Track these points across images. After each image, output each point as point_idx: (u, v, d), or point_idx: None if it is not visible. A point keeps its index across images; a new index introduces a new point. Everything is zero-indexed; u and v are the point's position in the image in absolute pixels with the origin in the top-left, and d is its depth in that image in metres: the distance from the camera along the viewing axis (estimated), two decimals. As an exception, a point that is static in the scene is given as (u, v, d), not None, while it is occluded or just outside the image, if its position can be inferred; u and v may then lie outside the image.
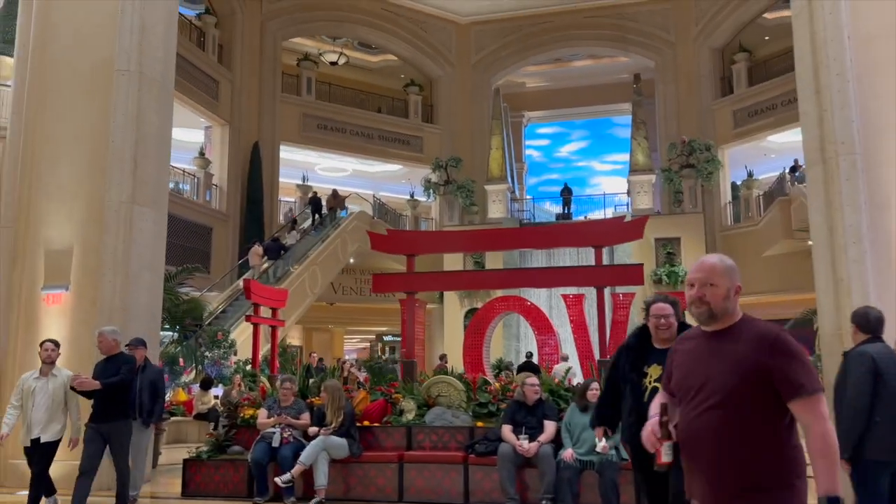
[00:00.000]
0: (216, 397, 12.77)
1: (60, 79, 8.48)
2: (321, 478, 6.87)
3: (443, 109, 26.61)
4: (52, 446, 6.04)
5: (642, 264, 10.92)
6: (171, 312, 12.75)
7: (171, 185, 14.80)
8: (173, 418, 11.87)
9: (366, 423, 7.61)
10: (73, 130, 8.36)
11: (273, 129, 23.34)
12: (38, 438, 5.96)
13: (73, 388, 5.95)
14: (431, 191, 24.64)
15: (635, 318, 14.40)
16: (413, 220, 25.85)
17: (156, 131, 8.58)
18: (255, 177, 22.27)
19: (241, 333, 15.65)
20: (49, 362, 6.09)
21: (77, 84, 8.44)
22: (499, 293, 14.63)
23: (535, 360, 12.96)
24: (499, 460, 6.56)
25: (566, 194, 25.34)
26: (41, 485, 6.05)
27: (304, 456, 6.87)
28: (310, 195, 23.42)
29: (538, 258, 20.92)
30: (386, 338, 28.54)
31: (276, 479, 6.85)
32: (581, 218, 24.36)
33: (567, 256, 20.07)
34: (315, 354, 16.92)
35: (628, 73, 25.77)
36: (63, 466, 6.39)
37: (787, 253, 19.56)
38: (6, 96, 11.39)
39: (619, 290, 11.95)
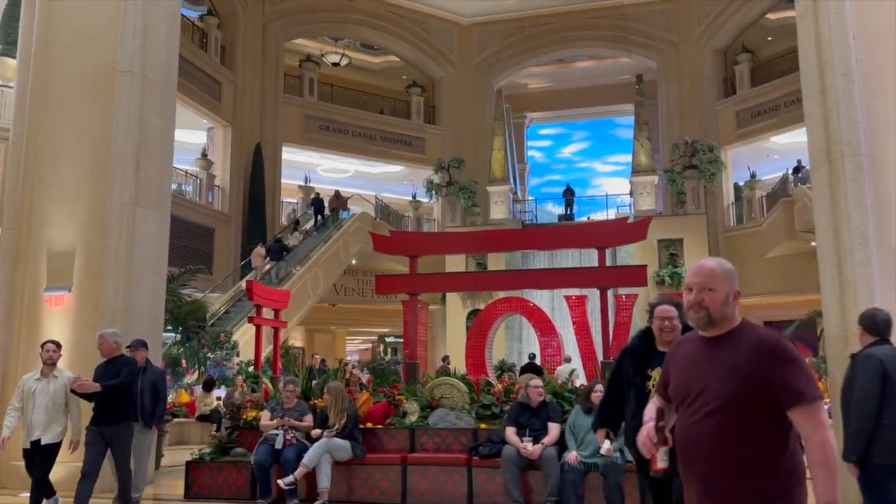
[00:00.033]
0: (219, 399, 12.76)
1: (63, 81, 8.47)
2: (324, 480, 6.85)
3: (445, 110, 26.60)
4: (53, 448, 6.00)
5: (646, 265, 10.89)
6: (174, 314, 12.74)
7: (174, 187, 14.79)
8: (176, 420, 11.86)
9: (369, 424, 7.58)
10: (76, 132, 8.35)
11: (275, 130, 23.34)
12: (39, 440, 5.94)
13: (73, 391, 5.92)
14: (433, 192, 24.63)
15: (638, 320, 14.38)
16: (415, 222, 25.84)
17: (158, 133, 8.56)
18: (257, 178, 22.27)
19: (244, 335, 15.65)
20: (50, 364, 6.06)
21: (79, 86, 8.43)
22: (501, 294, 14.59)
23: (537, 361, 12.93)
24: (503, 462, 6.53)
25: (568, 195, 25.31)
26: (42, 487, 6.02)
27: (307, 458, 6.85)
28: (312, 196, 23.41)
29: (540, 259, 20.88)
30: (388, 339, 28.53)
31: (279, 482, 6.83)
32: (584, 219, 24.32)
33: (569, 258, 20.04)
34: (317, 356, 16.93)
35: (630, 73, 25.73)
36: (65, 468, 6.38)
37: (790, 254, 19.53)
38: (9, 98, 11.41)
39: (622, 291, 11.92)
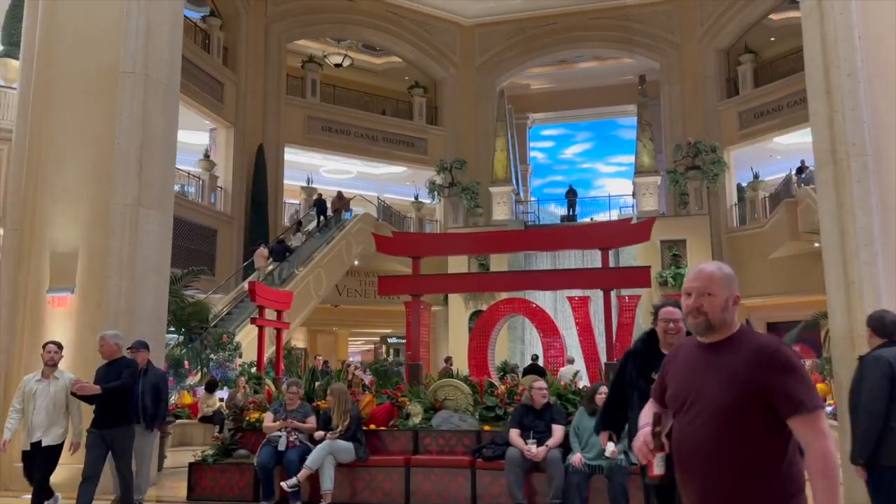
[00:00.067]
0: (221, 400, 12.75)
1: (66, 81, 8.46)
2: (327, 482, 6.83)
3: (447, 111, 26.59)
4: (55, 450, 5.95)
5: (650, 266, 10.85)
6: (177, 315, 12.71)
7: (176, 188, 14.79)
8: (178, 421, 11.86)
9: (372, 426, 7.56)
10: (79, 133, 8.35)
11: (278, 132, 23.34)
12: (40, 442, 5.89)
13: (73, 394, 5.87)
14: (436, 193, 24.63)
15: (641, 321, 14.34)
16: (417, 223, 25.83)
17: (161, 133, 8.55)
18: (259, 179, 22.26)
19: (246, 336, 15.64)
20: (51, 364, 6.01)
21: (82, 86, 8.42)
22: (504, 295, 14.57)
23: (540, 362, 12.91)
24: (506, 465, 6.50)
25: (571, 196, 25.29)
26: (43, 489, 5.98)
27: (311, 460, 6.83)
28: (315, 197, 23.41)
29: (543, 260, 20.86)
30: (390, 340, 28.52)
31: (282, 484, 6.81)
32: (586, 220, 24.30)
33: (572, 259, 20.01)
34: (320, 357, 16.92)
35: (633, 74, 25.70)
36: (67, 470, 6.35)
37: (794, 255, 19.48)
38: (12, 99, 11.39)
39: (625, 292, 11.88)
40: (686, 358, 2.34)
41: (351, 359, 24.41)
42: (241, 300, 17.63)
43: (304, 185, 24.59)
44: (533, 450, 6.39)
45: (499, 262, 20.89)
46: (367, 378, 13.55)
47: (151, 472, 7.74)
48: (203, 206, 20.53)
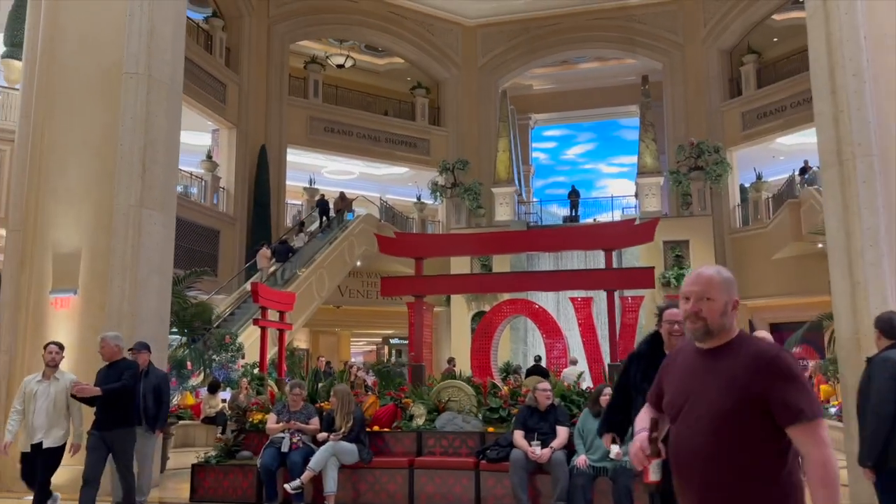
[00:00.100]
0: (224, 401, 12.74)
1: (69, 82, 8.46)
2: (330, 484, 6.80)
3: (449, 112, 26.58)
4: (56, 452, 5.89)
5: (653, 267, 10.82)
6: (180, 316, 12.72)
7: (179, 189, 14.78)
8: (181, 422, 11.84)
9: (375, 428, 7.54)
10: (82, 134, 8.34)
11: (280, 132, 23.34)
12: (41, 444, 5.83)
13: (73, 396, 5.82)
14: (438, 193, 24.61)
15: (644, 322, 14.30)
16: (420, 223, 25.82)
17: (164, 134, 8.54)
18: (262, 180, 22.27)
19: (249, 337, 15.63)
20: (52, 365, 5.95)
21: (85, 87, 8.42)
22: (506, 296, 14.55)
23: (543, 363, 12.89)
24: (511, 466, 6.48)
25: (573, 197, 25.25)
26: (46, 492, 5.94)
27: (314, 462, 6.80)
28: (317, 198, 23.40)
29: (545, 261, 20.84)
30: (392, 341, 28.51)
31: (286, 486, 6.78)
32: (589, 220, 24.27)
33: (574, 260, 19.99)
34: (323, 358, 16.89)
35: (636, 75, 25.67)
36: (70, 471, 6.32)
37: (797, 256, 19.45)
38: (14, 100, 11.41)
39: (628, 293, 11.87)
40: (684, 363, 2.30)
41: (353, 359, 24.41)
42: (243, 301, 17.62)
43: (307, 185, 24.58)
44: (537, 451, 6.36)
45: (501, 263, 20.87)
46: (370, 379, 13.53)
47: (154, 474, 7.72)
48: (205, 207, 20.53)
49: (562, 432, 6.49)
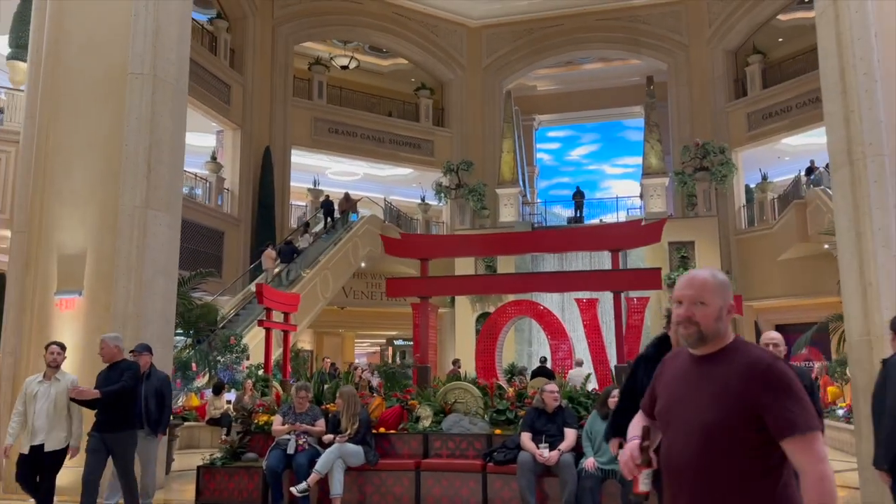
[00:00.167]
0: (228, 402, 12.72)
1: (74, 83, 8.44)
2: (336, 486, 6.75)
3: (454, 113, 26.55)
4: (58, 455, 5.80)
5: (660, 268, 10.76)
6: (185, 317, 12.70)
7: (184, 190, 14.76)
8: (186, 423, 11.82)
9: (381, 430, 7.49)
10: (87, 135, 8.31)
11: (284, 133, 23.34)
12: (42, 446, 5.74)
13: (72, 400, 5.75)
14: (442, 194, 24.57)
15: (649, 323, 14.26)
16: (424, 224, 25.78)
17: (169, 135, 8.51)
18: (266, 181, 22.27)
19: (254, 338, 15.61)
20: (54, 366, 5.87)
21: (90, 88, 8.40)
22: (511, 297, 14.50)
23: (548, 364, 12.83)
24: (518, 469, 6.42)
25: (578, 198, 25.20)
26: (51, 496, 5.89)
27: (320, 464, 6.76)
28: (322, 199, 23.39)
29: (550, 262, 20.79)
30: (396, 342, 28.48)
31: (292, 489, 6.74)
32: (595, 221, 24.21)
33: (579, 261, 19.94)
34: (328, 359, 16.87)
35: (640, 75, 25.62)
36: (73, 472, 6.27)
37: (803, 257, 19.38)
38: (19, 101, 11.40)
39: (633, 294, 11.82)
40: (677, 369, 2.22)
41: (357, 360, 24.39)
42: (248, 302, 17.61)
43: (311, 187, 24.57)
44: (545, 454, 6.30)
45: (505, 264, 20.83)
46: (375, 380, 13.50)
47: (159, 476, 7.69)
48: (210, 208, 20.53)
49: (570, 434, 6.44)
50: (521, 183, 24.05)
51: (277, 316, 13.50)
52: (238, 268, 20.84)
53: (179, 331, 12.79)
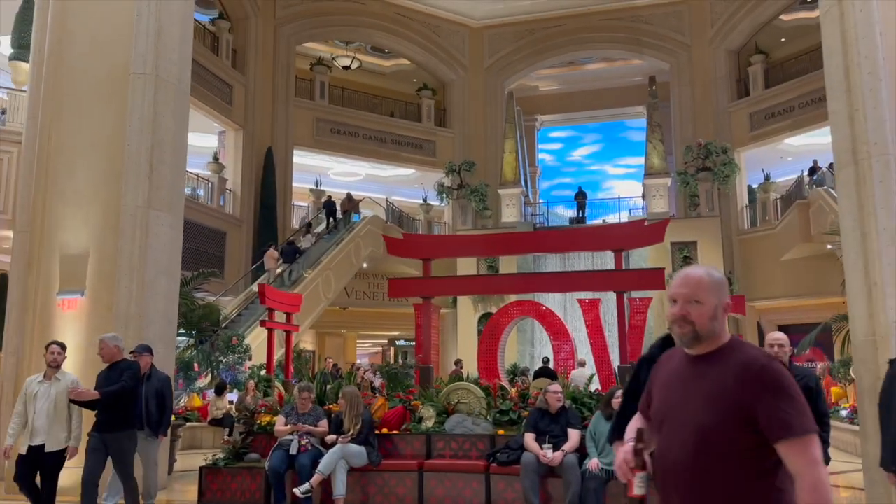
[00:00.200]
0: (231, 403, 12.71)
1: (76, 84, 8.43)
2: (339, 487, 6.74)
3: (456, 113, 26.54)
4: (59, 457, 5.76)
5: (663, 268, 10.74)
6: (187, 317, 12.69)
7: (187, 191, 14.76)
8: (188, 424, 11.80)
9: (384, 430, 7.47)
10: (89, 135, 8.31)
11: (286, 134, 23.34)
12: (42, 446, 5.69)
13: (72, 401, 5.71)
14: (444, 195, 24.56)
15: (652, 323, 14.23)
16: (426, 225, 25.77)
17: (171, 135, 8.51)
18: (268, 181, 22.26)
19: (256, 338, 15.60)
20: (54, 366, 5.83)
21: (93, 88, 8.39)
22: (513, 298, 14.47)
23: (551, 365, 12.81)
24: (522, 470, 6.40)
25: (580, 198, 25.17)
26: (52, 495, 5.84)
27: (323, 465, 6.74)
28: (324, 199, 23.39)
29: (552, 263, 20.76)
30: (398, 342, 28.46)
31: (295, 490, 6.71)
32: (597, 221, 24.18)
33: (582, 261, 19.91)
34: (330, 360, 16.86)
35: (642, 75, 25.59)
36: (75, 473, 6.25)
37: (806, 257, 19.34)
38: (22, 101, 11.41)
39: (635, 294, 11.81)
40: (672, 369, 2.17)
41: (359, 361, 24.39)
42: (250, 302, 17.61)
43: (313, 187, 24.56)
44: (549, 454, 6.28)
45: (508, 265, 20.81)
46: (378, 381, 13.47)
47: (161, 476, 7.67)
48: (212, 208, 20.53)
49: (573, 435, 6.42)
50: (523, 183, 24.03)
51: (280, 316, 13.50)
52: (240, 268, 20.84)
53: (182, 331, 12.78)
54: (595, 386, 9.85)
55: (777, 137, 22.47)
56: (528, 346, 21.35)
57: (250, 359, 14.64)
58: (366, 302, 23.96)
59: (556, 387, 6.74)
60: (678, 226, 20.40)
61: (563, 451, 6.30)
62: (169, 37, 8.54)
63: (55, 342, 6.01)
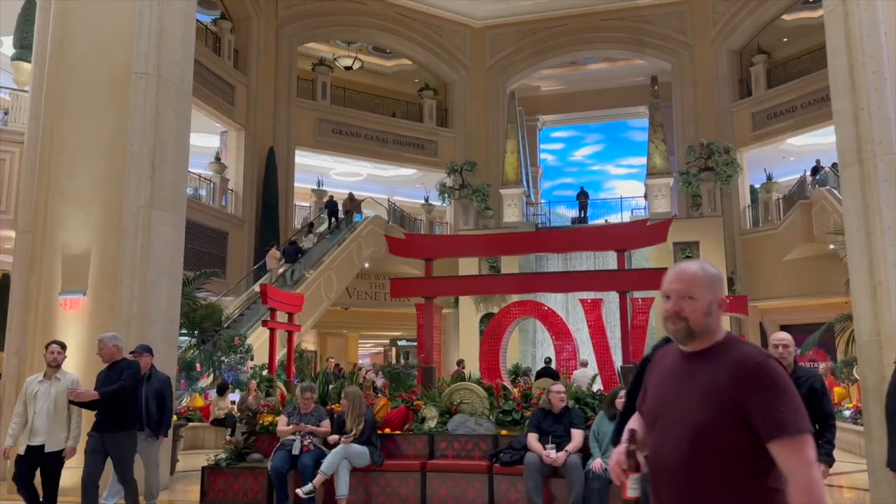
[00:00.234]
0: (233, 403, 12.70)
1: (78, 84, 8.43)
2: (342, 487, 6.72)
3: (457, 113, 26.53)
4: (59, 457, 5.73)
5: (666, 268, 10.62)
6: (189, 317, 12.68)
7: (189, 191, 14.77)
8: (190, 424, 11.80)
9: (387, 430, 7.46)
10: (91, 135, 8.30)
11: (288, 134, 23.34)
12: (41, 446, 5.67)
13: (71, 402, 5.69)
14: (446, 195, 24.54)
15: (654, 324, 14.16)
16: (428, 225, 25.76)
17: (173, 135, 8.50)
18: (270, 182, 22.26)
19: (258, 338, 15.59)
20: (54, 365, 5.81)
21: (95, 88, 8.39)
22: (515, 298, 14.45)
23: (553, 365, 12.79)
24: (525, 470, 6.38)
25: (582, 198, 25.14)
26: (53, 496, 5.82)
27: (326, 465, 6.72)
28: (326, 199, 23.39)
29: (554, 263, 20.73)
30: (400, 342, 28.44)
31: (298, 491, 6.69)
32: (600, 222, 24.16)
33: (584, 261, 19.88)
34: (332, 360, 16.85)
35: (644, 75, 25.56)
36: (74, 473, 6.24)
37: (808, 257, 19.31)
38: (24, 101, 11.40)
39: (637, 294, 11.78)
40: (666, 367, 2.13)
41: (361, 361, 24.37)
42: (252, 302, 17.60)
43: (315, 187, 24.56)
44: (552, 455, 6.26)
45: (509, 265, 20.79)
46: (380, 381, 13.45)
47: (163, 476, 7.66)
48: (214, 208, 20.53)
49: (577, 435, 6.40)
50: (524, 183, 24.01)
51: (281, 316, 13.48)
52: (242, 268, 20.84)
53: (184, 331, 12.77)
54: (597, 386, 9.83)
55: (779, 137, 22.44)
56: (529, 347, 21.33)
57: (252, 359, 14.63)
58: (367, 302, 23.95)
59: (559, 387, 6.72)
60: (680, 226, 20.36)
61: (566, 451, 6.28)
62: (171, 36, 8.53)
63: (55, 342, 5.99)
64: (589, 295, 11.91)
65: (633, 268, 16.94)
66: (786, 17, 22.81)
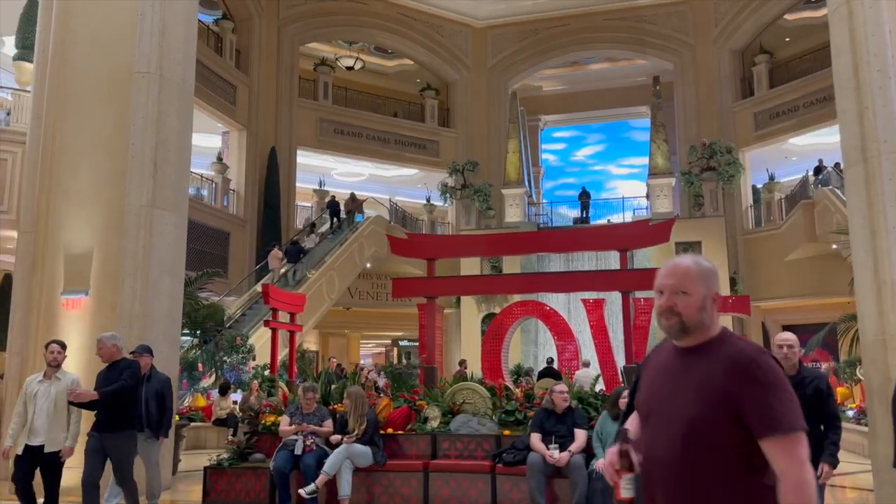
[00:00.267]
0: (235, 403, 12.69)
1: (80, 83, 8.43)
2: (345, 487, 6.70)
3: (459, 113, 26.51)
4: (59, 457, 5.71)
5: (668, 268, 10.65)
6: (191, 317, 12.68)
7: (191, 191, 14.76)
8: (192, 424, 11.79)
9: (389, 430, 7.44)
10: (93, 135, 8.30)
11: (290, 134, 23.34)
12: (41, 447, 5.64)
13: (71, 403, 5.66)
14: (448, 195, 24.53)
15: (656, 324, 14.11)
16: (429, 225, 25.75)
17: (175, 134, 8.49)
18: (272, 182, 22.26)
19: (260, 338, 15.58)
20: (54, 365, 5.78)
21: (97, 88, 8.38)
22: (516, 298, 14.43)
23: (555, 365, 12.76)
24: (528, 470, 6.36)
25: (584, 198, 25.12)
26: (54, 497, 5.80)
27: (328, 465, 6.71)
28: (327, 199, 23.39)
29: (556, 263, 20.71)
30: (402, 343, 28.43)
31: (300, 491, 6.68)
32: (602, 221, 24.14)
33: (586, 261, 19.85)
34: (334, 359, 16.84)
35: (646, 75, 25.54)
36: (75, 473, 6.22)
37: (811, 257, 19.28)
38: (26, 101, 11.40)
39: (639, 294, 11.75)
40: (660, 363, 2.10)
41: (363, 361, 24.36)
42: (254, 302, 17.59)
43: (317, 187, 24.56)
44: (555, 455, 6.24)
45: (511, 265, 20.77)
46: (382, 381, 13.44)
47: (165, 476, 7.65)
48: (216, 208, 20.53)
49: (580, 435, 6.38)
50: (526, 183, 23.99)
51: (283, 316, 13.44)
52: (244, 268, 20.83)
53: (186, 331, 12.77)
54: (600, 387, 9.81)
55: (781, 137, 22.41)
56: (531, 347, 21.30)
57: (254, 359, 14.62)
58: (369, 302, 23.94)
59: (562, 387, 6.70)
60: (682, 226, 20.33)
61: (569, 451, 6.26)
62: (173, 36, 8.52)
63: (55, 341, 5.97)
64: (591, 295, 11.86)
65: (635, 268, 16.97)
66: (788, 16, 22.78)
